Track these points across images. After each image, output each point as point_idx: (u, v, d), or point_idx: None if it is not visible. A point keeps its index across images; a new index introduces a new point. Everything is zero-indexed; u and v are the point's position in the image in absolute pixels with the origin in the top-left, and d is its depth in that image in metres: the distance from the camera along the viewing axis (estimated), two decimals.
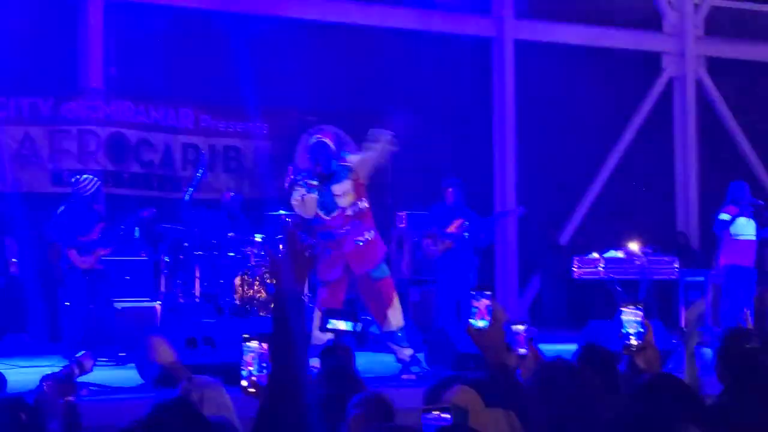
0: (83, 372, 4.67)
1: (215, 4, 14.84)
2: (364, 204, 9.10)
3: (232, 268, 12.58)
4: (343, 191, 8.98)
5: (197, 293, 12.66)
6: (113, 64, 14.63)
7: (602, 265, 13.22)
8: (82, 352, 4.88)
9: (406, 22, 16.25)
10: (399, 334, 9.00)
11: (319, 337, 8.41)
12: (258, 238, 12.80)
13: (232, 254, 12.66)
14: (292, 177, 13.99)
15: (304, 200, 8.94)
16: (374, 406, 4.04)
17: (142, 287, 12.02)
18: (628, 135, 17.73)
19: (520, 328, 4.40)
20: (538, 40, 16.89)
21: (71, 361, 4.68)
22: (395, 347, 9.00)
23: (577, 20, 17.16)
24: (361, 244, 9.02)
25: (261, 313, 12.40)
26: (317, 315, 8.90)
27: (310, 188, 8.97)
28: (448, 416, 3.12)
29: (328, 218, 8.96)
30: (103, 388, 7.70)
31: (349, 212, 9.00)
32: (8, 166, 13.81)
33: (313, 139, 9.27)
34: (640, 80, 17.95)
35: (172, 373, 5.56)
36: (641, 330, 4.06)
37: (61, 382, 4.34)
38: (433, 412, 3.05)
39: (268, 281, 12.30)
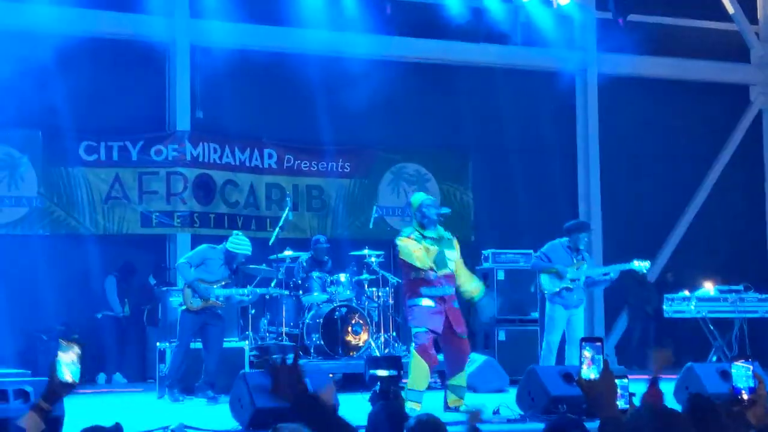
0: None
1: (296, 47, 14.98)
2: None
3: (318, 309, 12.61)
4: (453, 258, 9.47)
5: (283, 333, 12.71)
6: (199, 106, 14.84)
7: (694, 303, 13.01)
8: (177, 423, 4.86)
9: (489, 59, 16.24)
10: (463, 388, 9.50)
11: (419, 384, 9.22)
12: (342, 277, 12.83)
13: (317, 294, 12.70)
14: (377, 216, 14.13)
15: (429, 251, 9.28)
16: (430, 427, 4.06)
17: (230, 327, 12.10)
18: (717, 168, 17.46)
19: (622, 381, 4.37)
20: (623, 74, 16.73)
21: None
22: (452, 396, 9.42)
23: (663, 53, 17.00)
24: (457, 306, 9.48)
25: (349, 354, 12.41)
26: (418, 362, 9.23)
27: (430, 241, 9.34)
28: None
29: (439, 274, 9.30)
30: (197, 430, 7.73)
31: (454, 277, 9.51)
32: (99, 208, 14.04)
33: (422, 196, 9.72)
34: (729, 112, 17.70)
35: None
36: (752, 384, 3.95)
37: None
38: None
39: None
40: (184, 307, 10.87)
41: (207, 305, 10.80)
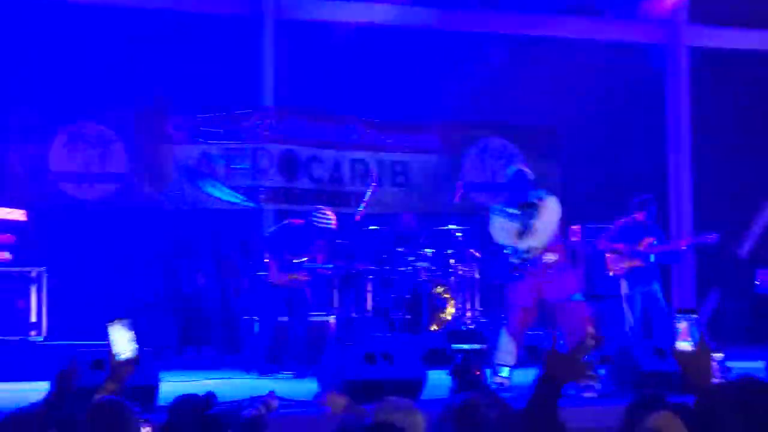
0: (269, 412, 4.71)
1: (381, 20, 14.95)
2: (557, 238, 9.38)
3: (403, 284, 12.63)
4: (543, 226, 9.21)
5: (369, 308, 12.76)
6: (285, 82, 14.90)
7: None
8: (268, 391, 4.91)
9: (577, 32, 16.04)
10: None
11: (505, 359, 9.03)
12: (428, 252, 12.83)
13: (402, 269, 12.71)
14: (462, 191, 14.08)
15: (505, 228, 9.15)
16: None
17: (316, 301, 12.20)
18: None
19: (718, 356, 4.31)
20: (714, 47, 16.41)
21: (258, 400, 4.71)
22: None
23: (758, 25, 16.62)
24: (556, 273, 9.20)
25: (431, 329, 12.42)
26: (506, 338, 9.17)
27: (512, 217, 9.17)
28: None
29: (526, 247, 9.15)
30: (288, 402, 7.78)
31: (653, 242, 9.70)
32: (187, 184, 14.21)
33: (514, 169, 9.52)
34: None
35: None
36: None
37: (250, 424, 4.37)
38: None
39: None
40: (270, 281, 10.96)
41: (292, 279, 10.88)
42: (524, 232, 9.15)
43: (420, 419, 4.43)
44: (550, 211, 9.25)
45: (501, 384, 9.08)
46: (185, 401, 4.75)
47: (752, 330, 15.80)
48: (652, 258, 10.85)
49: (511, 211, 9.19)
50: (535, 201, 9.23)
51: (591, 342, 3.80)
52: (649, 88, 16.55)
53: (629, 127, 16.19)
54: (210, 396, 4.90)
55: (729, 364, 8.00)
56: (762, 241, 16.59)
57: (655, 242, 10.84)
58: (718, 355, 4.45)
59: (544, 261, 9.15)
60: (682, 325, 3.75)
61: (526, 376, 9.34)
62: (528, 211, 9.18)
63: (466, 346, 10.31)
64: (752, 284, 13.58)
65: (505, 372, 9.18)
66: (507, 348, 9.19)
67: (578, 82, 15.96)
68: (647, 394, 4.39)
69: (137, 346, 4.20)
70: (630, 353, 8.69)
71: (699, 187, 16.44)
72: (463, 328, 12.75)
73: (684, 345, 3.72)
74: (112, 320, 4.21)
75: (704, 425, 3.60)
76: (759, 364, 9.08)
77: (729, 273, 16.09)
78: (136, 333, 4.46)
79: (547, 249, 9.20)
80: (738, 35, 16.47)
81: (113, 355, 4.24)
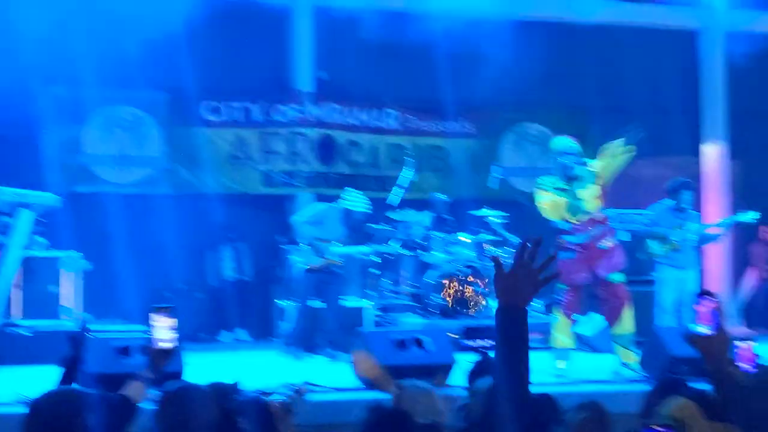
0: (301, 399, 4.71)
1: (419, 7, 14.91)
2: (604, 210, 9.23)
3: (439, 268, 12.62)
4: (590, 196, 9.05)
5: (405, 293, 12.76)
6: (322, 67, 14.92)
7: None
8: (302, 382, 4.91)
9: (612, 16, 15.93)
10: (628, 338, 9.06)
11: (563, 342, 9.00)
12: (464, 237, 12.81)
13: (438, 254, 12.70)
14: (498, 177, 14.03)
15: (553, 204, 9.02)
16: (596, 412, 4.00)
17: (352, 286, 12.23)
18: None
19: (748, 344, 4.28)
20: (751, 31, 16.24)
21: (290, 388, 4.71)
22: (622, 350, 9.04)
23: None
24: (605, 248, 9.08)
25: (469, 312, 12.40)
26: (562, 318, 9.10)
27: (559, 191, 9.03)
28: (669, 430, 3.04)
29: (575, 222, 9.02)
30: (319, 387, 7.81)
31: (595, 216, 9.08)
32: (221, 168, 14.27)
33: (560, 141, 9.29)
34: None
35: (378, 386, 5.58)
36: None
37: (280, 411, 4.38)
38: (654, 427, 2.96)
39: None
40: (303, 266, 10.98)
41: (325, 263, 10.89)
42: (573, 206, 9.01)
43: (438, 402, 4.45)
44: (603, 170, 9.10)
45: (561, 369, 9.00)
46: (212, 389, 4.75)
47: None
48: (690, 242, 10.75)
49: (560, 185, 9.04)
50: (581, 173, 9.06)
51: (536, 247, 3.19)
52: (685, 73, 16.41)
53: (662, 112, 16.04)
54: (236, 383, 4.92)
55: (761, 351, 7.96)
56: None
57: (690, 225, 10.75)
58: (747, 343, 4.39)
59: (592, 235, 9.02)
60: (701, 309, 3.70)
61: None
62: (576, 183, 9.04)
63: (484, 343, 10.27)
64: None
65: (564, 355, 9.10)
66: (563, 330, 9.14)
67: (612, 66, 15.87)
68: (668, 380, 4.38)
69: (178, 335, 4.20)
70: (660, 338, 8.64)
71: (734, 171, 16.28)
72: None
73: (702, 329, 3.68)
74: (155, 307, 4.21)
75: (721, 412, 3.59)
76: None
77: (763, 256, 15.97)
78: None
79: (600, 220, 9.09)
80: None
81: (154, 343, 4.24)
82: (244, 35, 14.50)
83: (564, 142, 9.29)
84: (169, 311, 4.19)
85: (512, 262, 3.10)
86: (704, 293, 3.72)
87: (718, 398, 3.63)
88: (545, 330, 12.26)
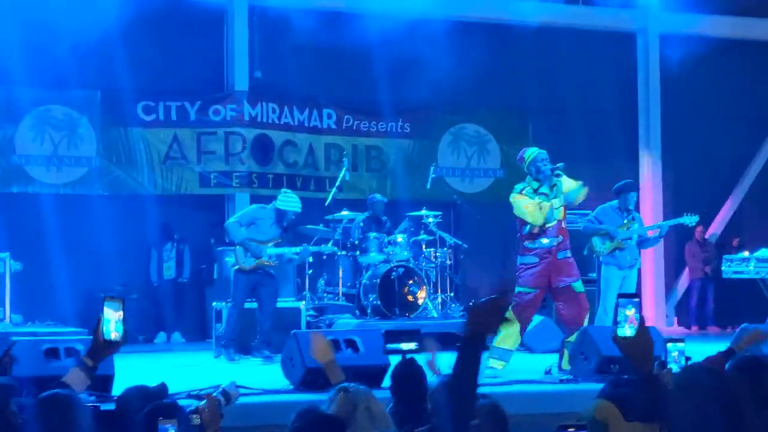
0: (229, 402, 4.66)
1: (355, 7, 14.91)
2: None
3: (375, 269, 12.63)
4: (561, 204, 9.31)
5: (340, 294, 12.75)
6: (258, 66, 14.86)
7: (753, 264, 12.87)
8: (229, 382, 4.86)
9: (549, 18, 16.04)
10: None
11: (505, 343, 9.12)
12: (400, 238, 12.83)
13: (374, 254, 12.71)
14: (433, 176, 14.07)
15: (542, 208, 9.18)
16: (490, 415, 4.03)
17: (287, 287, 12.19)
18: None
19: (679, 346, 4.33)
20: (684, 33, 16.46)
21: (217, 391, 4.66)
22: (568, 354, 9.18)
23: (725, 12, 16.67)
24: (568, 257, 9.36)
25: (405, 314, 12.41)
26: (514, 321, 9.15)
27: (542, 197, 9.22)
28: None
29: (545, 228, 9.25)
30: (250, 389, 7.78)
31: (563, 225, 9.38)
32: (158, 168, 14.15)
33: (536, 151, 9.43)
34: None
35: (327, 373, 5.57)
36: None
37: (206, 413, 4.33)
38: (569, 430, 2.99)
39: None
40: (236, 267, 10.93)
41: (259, 265, 10.85)
42: (550, 211, 9.20)
43: (376, 405, 4.44)
44: (567, 184, 9.38)
45: (494, 369, 9.09)
46: (136, 392, 4.70)
47: (719, 314, 15.91)
48: (633, 241, 10.89)
49: (543, 191, 9.21)
50: (556, 183, 9.29)
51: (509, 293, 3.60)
52: (622, 74, 16.59)
53: (599, 112, 16.20)
54: (162, 386, 4.86)
55: (693, 347, 8.06)
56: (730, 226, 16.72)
57: (636, 226, 10.88)
58: (679, 345, 4.46)
59: (556, 243, 9.24)
60: (624, 311, 3.75)
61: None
62: (552, 192, 9.25)
63: (410, 346, 10.31)
64: (720, 269, 13.65)
65: (507, 356, 9.20)
66: (513, 332, 9.21)
67: (550, 67, 15.99)
68: (621, 378, 4.40)
69: (125, 330, 4.13)
70: (591, 337, 8.71)
71: (669, 171, 16.48)
72: (437, 314, 12.75)
73: (625, 331, 3.72)
74: (109, 296, 4.14)
75: (644, 413, 3.62)
76: (722, 347, 9.19)
77: (697, 257, 16.20)
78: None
79: (565, 229, 9.36)
80: (705, 21, 16.48)
81: (100, 332, 4.14)
82: (180, 35, 14.42)
83: (540, 150, 9.46)
84: (121, 303, 4.12)
85: (489, 298, 3.42)
86: (625, 295, 3.77)
87: (641, 399, 3.67)
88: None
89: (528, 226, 9.23)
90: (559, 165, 9.35)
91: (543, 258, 9.22)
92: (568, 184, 9.38)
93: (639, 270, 11.40)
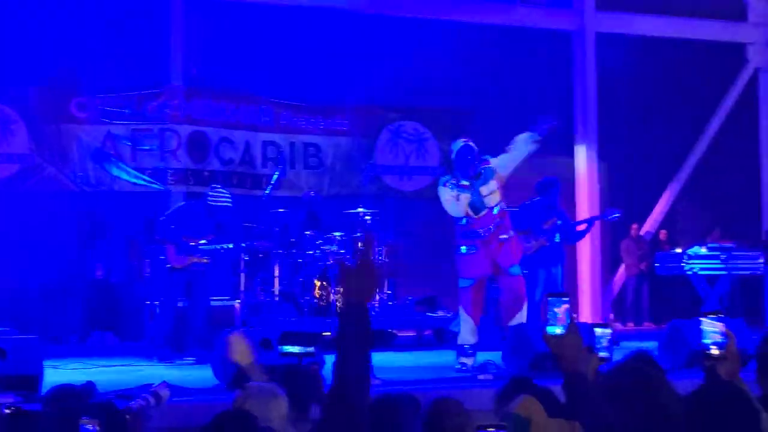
0: (159, 403, 4.59)
1: (292, 1, 14.83)
2: (503, 204, 9.50)
3: (312, 267, 12.57)
4: (490, 191, 9.31)
5: (276, 292, 12.68)
6: (194, 62, 14.73)
7: (685, 260, 13.03)
8: (159, 382, 4.79)
9: (488, 16, 16.10)
10: None
11: (466, 339, 9.21)
12: (336, 236, 12.79)
13: (311, 252, 12.66)
14: (370, 174, 14.06)
15: (460, 200, 9.20)
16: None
17: (222, 286, 12.08)
18: (713, 127, 17.41)
19: (606, 332, 4.37)
20: (619, 33, 16.61)
21: (147, 391, 4.59)
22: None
23: (659, 11, 16.84)
24: (505, 240, 9.38)
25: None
26: (464, 316, 9.31)
27: (462, 188, 9.23)
28: None
29: (476, 217, 9.27)
30: (183, 390, 7.70)
31: (495, 211, 9.37)
32: (91, 165, 13.98)
33: (460, 143, 9.47)
34: (725, 71, 17.59)
35: (248, 374, 5.52)
36: (722, 339, 3.87)
37: (136, 416, 4.26)
38: (489, 430, 2.99)
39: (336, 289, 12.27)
40: (168, 265, 10.82)
41: (191, 262, 10.75)
42: (477, 201, 9.25)
43: (283, 404, 4.39)
44: (501, 166, 9.43)
45: (464, 365, 9.14)
46: (62, 391, 4.64)
47: (654, 310, 16.07)
48: (557, 238, 10.97)
49: (463, 183, 9.24)
50: (481, 170, 9.33)
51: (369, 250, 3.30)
52: (559, 73, 16.70)
53: (537, 111, 16.23)
54: (89, 385, 4.80)
55: (629, 344, 8.11)
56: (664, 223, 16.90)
57: (559, 222, 10.94)
58: (606, 331, 4.49)
59: (493, 229, 9.30)
60: (553, 309, 3.77)
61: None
62: (477, 181, 9.28)
63: (296, 349, 10.20)
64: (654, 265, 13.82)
65: (469, 352, 9.24)
66: (467, 327, 9.22)
67: (488, 66, 16.03)
68: (516, 378, 4.42)
69: None
70: (525, 333, 8.74)
71: (605, 169, 16.61)
72: (373, 312, 12.72)
73: (554, 329, 3.74)
74: None
75: (568, 410, 3.63)
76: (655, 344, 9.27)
77: (632, 253, 16.37)
78: (31, 320, 4.29)
79: (499, 215, 9.39)
80: (643, 21, 16.67)
81: None
82: (114, 30, 14.22)
83: (463, 145, 9.45)
84: None
85: (354, 261, 3.21)
86: (558, 294, 3.79)
87: (566, 396, 3.69)
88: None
89: (465, 218, 9.26)
90: (485, 157, 9.39)
91: (479, 247, 9.27)
92: (504, 157, 9.42)
93: (563, 267, 11.53)
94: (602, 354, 4.28)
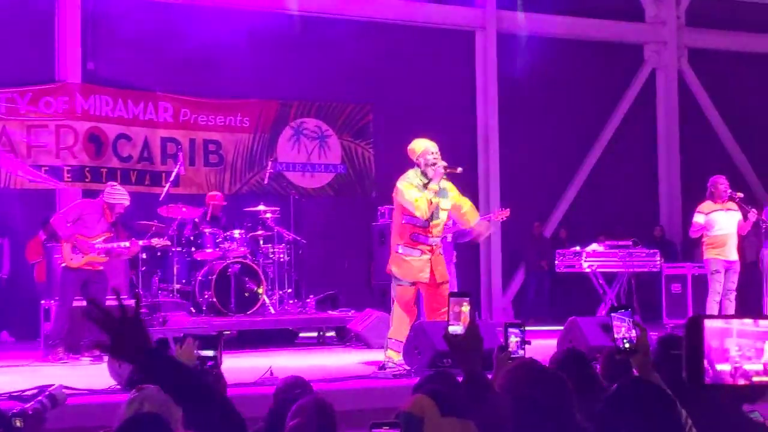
0: (56, 406, 4.45)
1: None
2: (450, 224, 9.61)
3: (210, 265, 12.44)
4: (448, 207, 9.24)
5: (174, 290, 12.51)
6: (91, 57, 14.47)
7: (584, 258, 13.22)
8: (55, 384, 4.65)
9: (390, 14, 16.12)
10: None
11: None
12: (236, 234, 12.68)
13: (210, 251, 12.53)
14: (272, 171, 13.97)
15: (432, 203, 9.05)
16: (315, 413, 3.97)
17: (118, 284, 11.86)
18: (611, 127, 17.68)
19: (517, 330, 4.41)
20: (521, 32, 16.78)
21: (43, 395, 4.45)
22: None
23: (559, 11, 17.05)
24: (441, 254, 9.40)
25: (242, 312, 12.27)
26: (400, 313, 9.25)
27: (433, 194, 9.05)
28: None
29: (431, 224, 9.14)
30: (77, 391, 7.56)
31: (448, 223, 9.55)
32: None
33: (428, 143, 9.25)
34: (623, 71, 17.89)
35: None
36: (633, 334, 3.91)
37: (31, 419, 4.12)
38: (383, 428, 2.96)
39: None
40: (64, 264, 10.60)
41: (88, 261, 10.55)
42: (435, 210, 9.13)
43: (176, 408, 4.30)
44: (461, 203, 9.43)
45: (390, 359, 9.10)
46: None
47: (553, 308, 16.24)
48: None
49: (433, 188, 9.04)
50: (446, 184, 9.24)
51: None
52: (462, 71, 16.82)
53: (440, 108, 16.34)
54: None
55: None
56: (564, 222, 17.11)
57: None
58: (522, 328, 4.54)
59: (439, 242, 9.34)
60: (454, 309, 3.78)
61: None
62: (441, 190, 9.14)
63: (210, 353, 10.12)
64: (554, 263, 13.97)
65: (398, 348, 9.16)
66: (404, 324, 9.18)
67: (392, 63, 16.06)
68: (436, 373, 4.40)
69: None
70: (425, 331, 8.75)
71: (506, 167, 16.74)
72: (273, 311, 12.66)
73: (455, 328, 3.75)
74: None
75: (462, 408, 3.64)
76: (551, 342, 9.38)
77: (533, 252, 16.53)
78: None
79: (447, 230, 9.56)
80: (543, 20, 16.87)
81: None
82: (8, 23, 13.92)
83: (426, 143, 9.26)
84: None
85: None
86: (456, 293, 3.80)
87: (459, 394, 3.69)
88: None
89: (413, 219, 9.09)
90: (458, 169, 9.22)
91: (425, 253, 9.15)
92: (461, 202, 9.34)
93: (455, 265, 11.64)
94: (517, 354, 4.34)
